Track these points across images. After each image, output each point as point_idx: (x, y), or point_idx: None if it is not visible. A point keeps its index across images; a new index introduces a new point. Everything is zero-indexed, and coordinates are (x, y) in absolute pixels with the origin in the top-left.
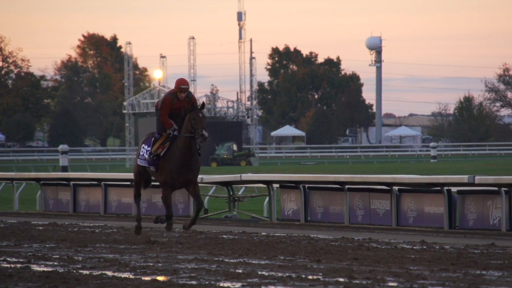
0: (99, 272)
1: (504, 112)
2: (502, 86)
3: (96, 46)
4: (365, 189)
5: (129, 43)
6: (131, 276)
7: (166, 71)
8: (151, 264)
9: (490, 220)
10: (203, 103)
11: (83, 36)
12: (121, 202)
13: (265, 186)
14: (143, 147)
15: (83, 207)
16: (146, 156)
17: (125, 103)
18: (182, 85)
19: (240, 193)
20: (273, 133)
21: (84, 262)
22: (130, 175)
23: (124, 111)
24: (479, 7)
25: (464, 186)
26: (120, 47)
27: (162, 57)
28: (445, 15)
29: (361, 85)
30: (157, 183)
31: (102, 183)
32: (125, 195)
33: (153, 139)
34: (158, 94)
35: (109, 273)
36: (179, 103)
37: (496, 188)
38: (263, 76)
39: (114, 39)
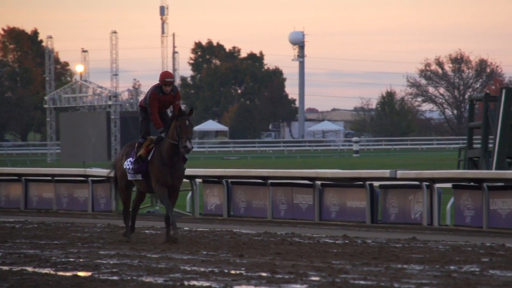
0: (19, 268)
1: (425, 107)
2: (423, 81)
3: (16, 40)
4: (288, 183)
5: (50, 37)
6: (52, 272)
7: (88, 66)
8: (72, 259)
9: (411, 214)
10: (192, 109)
11: (3, 30)
12: (42, 197)
13: (187, 181)
14: (128, 161)
15: (3, 202)
16: (131, 166)
17: (46, 98)
18: (167, 78)
19: None
20: (196, 128)
21: (4, 258)
22: (52, 170)
23: (45, 106)
24: (401, 2)
25: (386, 181)
26: (41, 41)
27: (84, 51)
28: (367, 10)
29: (284, 80)
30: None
31: (23, 178)
32: (46, 191)
33: (136, 145)
34: (80, 89)
35: (30, 269)
36: (165, 97)
37: (417, 183)
38: (186, 70)
39: (35, 33)
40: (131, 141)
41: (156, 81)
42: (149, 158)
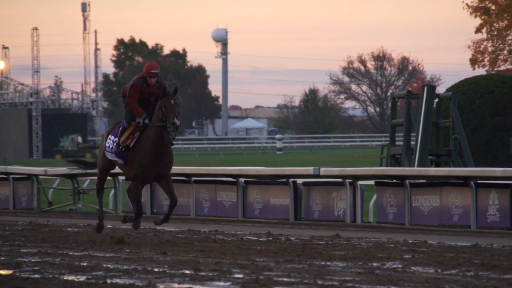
0: None
1: (348, 104)
2: (346, 79)
3: None
4: (211, 181)
5: None
6: None
7: (9, 62)
8: None
9: (334, 211)
10: (176, 89)
11: None
12: None
13: (110, 178)
14: (109, 138)
15: None
16: (114, 148)
17: None
18: (152, 69)
19: (85, 185)
20: None
21: None
22: None
23: None
24: (323, 0)
25: (309, 178)
26: None
27: (5, 48)
28: (290, 8)
29: (207, 77)
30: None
31: None
32: None
33: (120, 128)
34: (1, 86)
35: None
36: (149, 89)
37: (340, 180)
38: (108, 67)
39: None
40: (116, 121)
41: (79, 77)
42: (131, 145)
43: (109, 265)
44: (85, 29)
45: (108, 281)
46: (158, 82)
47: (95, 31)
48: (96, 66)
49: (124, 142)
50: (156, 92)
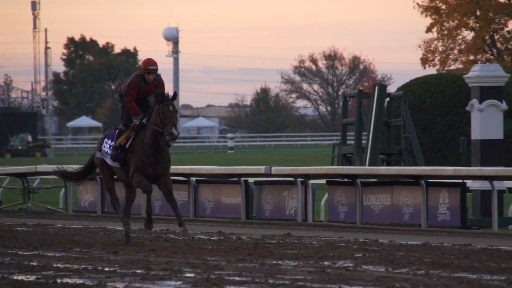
0: None
1: (300, 103)
2: (297, 78)
3: None
4: None
5: None
6: None
7: None
8: None
9: (286, 210)
10: (175, 93)
11: None
12: None
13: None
14: (105, 142)
15: None
16: (109, 151)
17: None
18: (150, 65)
19: (35, 184)
20: (69, 124)
21: None
22: None
23: None
24: None
25: (261, 177)
26: None
27: None
28: (241, 7)
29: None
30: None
31: None
32: None
33: (117, 131)
34: None
35: None
36: (147, 87)
37: (292, 179)
38: (58, 66)
39: None
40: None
41: (29, 76)
42: (127, 146)
43: (59, 265)
44: (35, 27)
45: (58, 280)
46: (156, 80)
47: (45, 30)
48: (46, 65)
49: (120, 142)
50: (154, 92)
